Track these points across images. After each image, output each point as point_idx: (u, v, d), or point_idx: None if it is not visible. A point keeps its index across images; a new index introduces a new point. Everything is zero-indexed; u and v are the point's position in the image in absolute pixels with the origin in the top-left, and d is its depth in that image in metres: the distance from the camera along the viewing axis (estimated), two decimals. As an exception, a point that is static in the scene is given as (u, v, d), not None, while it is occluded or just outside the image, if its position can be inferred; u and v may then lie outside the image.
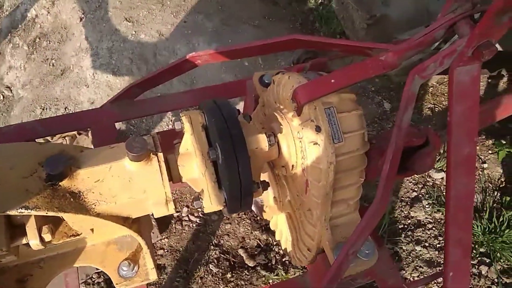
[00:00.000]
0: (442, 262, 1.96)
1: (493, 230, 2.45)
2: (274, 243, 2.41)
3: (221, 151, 1.08)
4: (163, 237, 2.43)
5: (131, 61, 3.03)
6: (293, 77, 1.21)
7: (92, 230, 1.18)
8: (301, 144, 1.18)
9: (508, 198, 2.58)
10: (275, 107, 1.34)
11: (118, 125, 2.72)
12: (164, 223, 2.46)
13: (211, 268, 2.32)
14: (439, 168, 2.71)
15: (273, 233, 1.67)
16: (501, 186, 2.71)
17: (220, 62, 2.30)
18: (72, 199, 1.05)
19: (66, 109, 2.91)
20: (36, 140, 1.79)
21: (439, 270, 2.35)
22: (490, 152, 2.85)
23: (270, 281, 2.29)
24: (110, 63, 3.02)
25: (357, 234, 1.11)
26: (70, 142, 2.65)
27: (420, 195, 2.65)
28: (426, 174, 2.72)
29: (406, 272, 2.36)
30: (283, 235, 1.56)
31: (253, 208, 1.65)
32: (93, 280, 2.27)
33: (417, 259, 2.41)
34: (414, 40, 1.10)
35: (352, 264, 1.21)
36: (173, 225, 2.48)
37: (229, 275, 2.30)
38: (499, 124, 2.82)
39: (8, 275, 1.24)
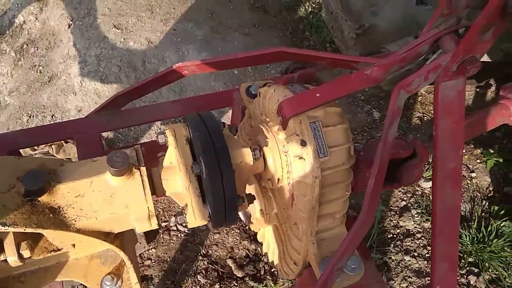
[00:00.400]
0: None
1: (481, 240, 2.45)
2: (263, 253, 2.39)
3: (205, 165, 1.07)
4: (151, 247, 2.40)
5: (120, 69, 3.00)
6: (278, 90, 1.20)
7: (73, 245, 1.16)
8: (286, 158, 1.17)
9: (496, 208, 2.59)
10: (261, 120, 1.33)
11: (106, 133, 2.70)
12: (151, 233, 2.43)
13: (199, 279, 2.30)
14: (428, 177, 2.72)
15: (262, 243, 1.65)
16: (489, 195, 2.72)
17: (208, 71, 2.28)
18: (51, 215, 1.02)
19: (53, 116, 2.87)
20: (20, 150, 1.76)
21: (428, 280, 2.35)
22: (478, 161, 2.86)
23: (259, 292, 2.27)
24: (98, 71, 3.00)
25: (343, 249, 1.10)
26: (57, 150, 2.61)
27: (409, 204, 2.65)
28: (415, 183, 2.73)
29: (395, 282, 2.36)
30: (270, 247, 1.55)
31: (241, 217, 1.63)
32: (78, 291, 2.23)
33: (406, 269, 2.40)
34: (398, 54, 1.10)
35: (338, 279, 1.20)
36: (161, 235, 2.45)
37: (217, 286, 2.28)
38: (487, 133, 2.84)
39: (-13, 290, 1.21)
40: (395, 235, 2.52)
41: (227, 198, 1.09)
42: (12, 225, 0.96)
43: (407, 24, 2.37)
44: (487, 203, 2.65)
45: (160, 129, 2.80)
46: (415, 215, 2.59)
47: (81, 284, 2.25)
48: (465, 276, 2.37)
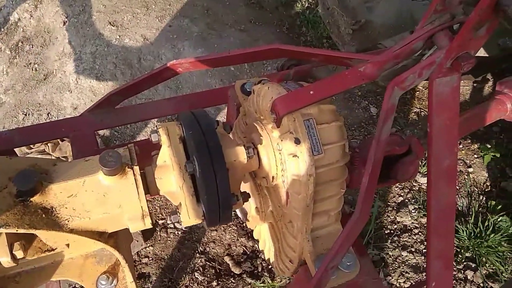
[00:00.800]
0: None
1: (478, 235, 2.46)
2: (260, 250, 2.39)
3: (198, 164, 1.06)
4: (148, 245, 2.40)
5: (115, 66, 2.99)
6: (272, 87, 1.19)
7: (67, 245, 1.15)
8: (280, 156, 1.16)
9: (493, 202, 2.59)
10: (256, 117, 1.32)
11: (102, 131, 2.69)
12: (149, 230, 2.42)
13: (196, 276, 2.30)
14: (425, 173, 2.72)
15: (258, 240, 1.65)
16: (486, 190, 2.72)
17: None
18: (44, 215, 1.02)
19: (49, 114, 2.86)
20: (14, 149, 1.75)
21: (425, 275, 2.35)
22: (475, 156, 2.86)
23: (256, 288, 2.27)
24: (93, 68, 2.98)
25: (337, 247, 1.09)
26: (53, 148, 2.61)
27: (406, 200, 2.65)
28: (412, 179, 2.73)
29: (392, 278, 2.36)
30: (266, 245, 1.54)
31: (239, 214, 1.63)
32: (76, 289, 2.23)
33: (403, 265, 2.40)
34: (392, 51, 1.09)
35: (333, 277, 1.20)
36: (158, 233, 2.44)
37: (214, 283, 2.28)
38: (484, 128, 2.84)
39: (-19, 291, 1.20)
40: (392, 231, 2.53)
41: (221, 197, 1.09)
42: (4, 226, 0.95)
43: (403, 20, 2.36)
44: (484, 198, 2.66)
45: (156, 126, 2.79)
46: (412, 211, 2.59)
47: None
48: (462, 271, 2.38)
